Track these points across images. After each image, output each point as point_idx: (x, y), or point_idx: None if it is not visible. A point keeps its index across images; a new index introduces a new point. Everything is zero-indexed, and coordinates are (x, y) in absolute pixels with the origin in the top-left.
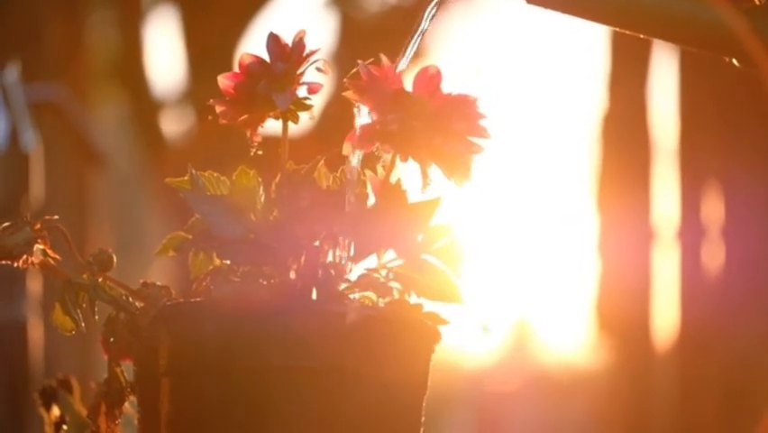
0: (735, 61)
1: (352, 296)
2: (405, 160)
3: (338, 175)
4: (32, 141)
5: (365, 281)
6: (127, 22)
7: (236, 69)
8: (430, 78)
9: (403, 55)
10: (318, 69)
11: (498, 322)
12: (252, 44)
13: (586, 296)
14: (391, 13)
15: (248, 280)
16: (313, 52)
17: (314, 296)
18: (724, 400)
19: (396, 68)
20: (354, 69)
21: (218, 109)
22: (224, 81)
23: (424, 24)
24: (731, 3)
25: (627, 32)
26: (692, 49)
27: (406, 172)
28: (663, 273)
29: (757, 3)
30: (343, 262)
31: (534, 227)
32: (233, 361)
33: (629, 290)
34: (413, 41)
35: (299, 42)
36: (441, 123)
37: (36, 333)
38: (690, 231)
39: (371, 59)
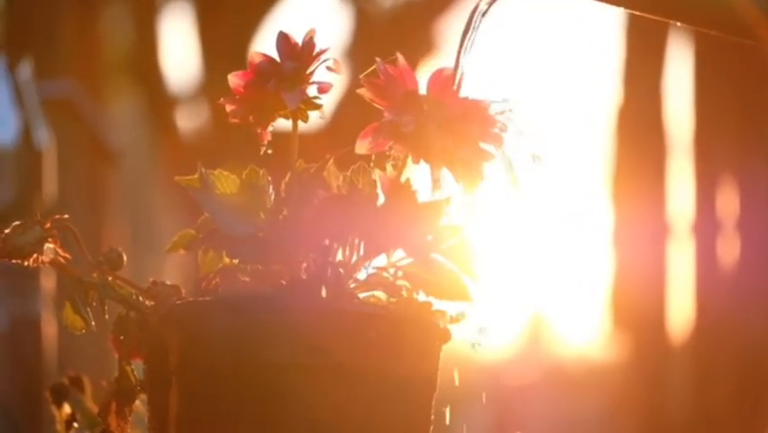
0: None
1: (361, 295)
2: (417, 161)
3: (348, 174)
4: (44, 137)
5: (374, 280)
6: (141, 17)
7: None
8: (445, 81)
9: (458, 62)
10: (329, 68)
11: (497, 322)
12: (267, 39)
13: (601, 290)
14: (406, 8)
15: (257, 279)
16: (323, 51)
17: (323, 295)
18: (739, 393)
19: (454, 76)
20: (371, 68)
21: (228, 108)
22: (233, 80)
23: (475, 25)
24: None
25: (642, 14)
26: (714, 32)
27: (417, 172)
28: (679, 267)
29: None
30: (353, 260)
31: (550, 221)
32: (242, 359)
33: (645, 283)
34: (465, 43)
35: (309, 41)
36: (454, 126)
37: (49, 329)
38: (706, 225)
39: (389, 58)
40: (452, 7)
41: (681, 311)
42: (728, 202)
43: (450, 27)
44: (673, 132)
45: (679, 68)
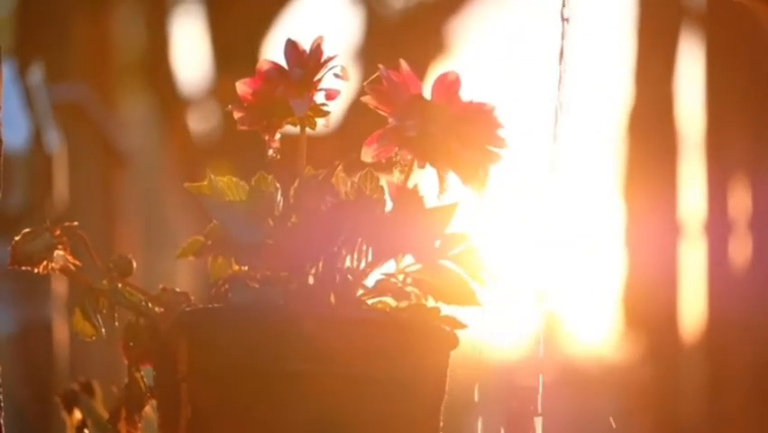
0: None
1: (369, 301)
2: (422, 165)
3: (356, 180)
4: (55, 141)
5: (383, 286)
6: (151, 21)
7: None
8: (449, 85)
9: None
10: (336, 75)
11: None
12: (278, 41)
13: (614, 289)
14: (417, 9)
15: (266, 286)
16: (330, 58)
17: (331, 301)
18: (752, 392)
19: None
20: (374, 75)
21: (236, 115)
22: (241, 87)
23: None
24: None
25: None
26: None
27: (425, 177)
28: (691, 266)
29: None
30: (361, 267)
31: (562, 221)
32: (252, 366)
33: (657, 283)
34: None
35: (317, 49)
36: (459, 129)
37: (61, 333)
38: (717, 224)
39: (399, 60)
40: (463, 8)
41: (693, 310)
42: (740, 201)
43: (461, 28)
44: (685, 130)
45: (690, 66)
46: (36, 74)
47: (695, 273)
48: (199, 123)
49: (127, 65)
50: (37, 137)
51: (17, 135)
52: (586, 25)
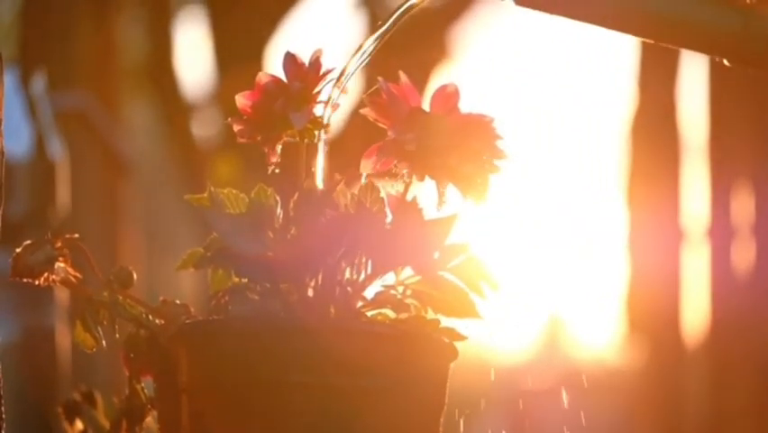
0: (725, 61)
1: (369, 313)
2: (421, 178)
3: (356, 193)
4: (58, 149)
5: (382, 298)
6: (154, 29)
7: (264, 71)
8: (448, 97)
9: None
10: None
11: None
12: (281, 46)
13: (617, 294)
14: (420, 15)
15: (266, 298)
16: (329, 71)
17: (331, 313)
18: (755, 397)
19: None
20: (373, 88)
21: (236, 128)
22: (241, 100)
23: (386, 28)
24: (725, 2)
25: (621, 34)
26: (685, 49)
27: (425, 189)
28: (694, 271)
29: (749, 2)
30: (361, 279)
31: (566, 225)
32: (252, 378)
33: (660, 287)
34: (370, 44)
35: (316, 61)
36: (458, 142)
37: (63, 343)
38: (720, 229)
39: (398, 65)
40: (466, 14)
41: (696, 314)
42: (743, 206)
43: (465, 33)
44: (688, 135)
45: (693, 72)
46: (39, 82)
47: (698, 278)
48: (203, 130)
49: (130, 73)
50: (39, 145)
51: (20, 144)
52: (589, 29)
